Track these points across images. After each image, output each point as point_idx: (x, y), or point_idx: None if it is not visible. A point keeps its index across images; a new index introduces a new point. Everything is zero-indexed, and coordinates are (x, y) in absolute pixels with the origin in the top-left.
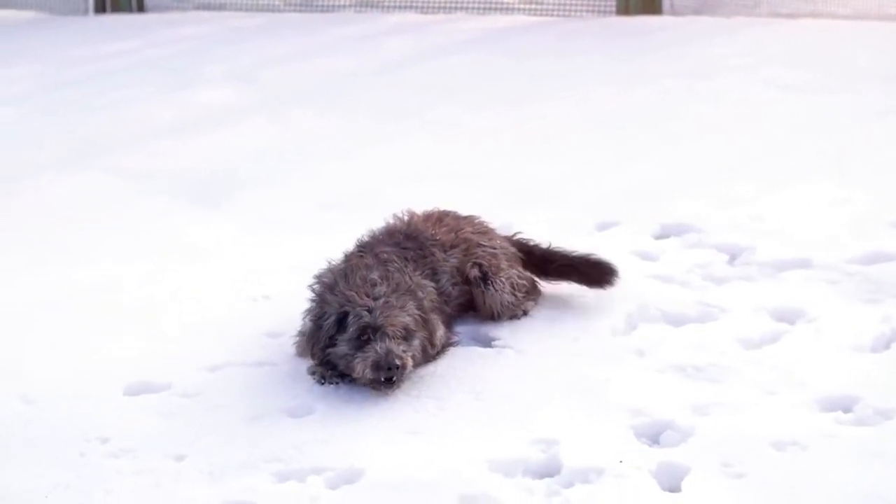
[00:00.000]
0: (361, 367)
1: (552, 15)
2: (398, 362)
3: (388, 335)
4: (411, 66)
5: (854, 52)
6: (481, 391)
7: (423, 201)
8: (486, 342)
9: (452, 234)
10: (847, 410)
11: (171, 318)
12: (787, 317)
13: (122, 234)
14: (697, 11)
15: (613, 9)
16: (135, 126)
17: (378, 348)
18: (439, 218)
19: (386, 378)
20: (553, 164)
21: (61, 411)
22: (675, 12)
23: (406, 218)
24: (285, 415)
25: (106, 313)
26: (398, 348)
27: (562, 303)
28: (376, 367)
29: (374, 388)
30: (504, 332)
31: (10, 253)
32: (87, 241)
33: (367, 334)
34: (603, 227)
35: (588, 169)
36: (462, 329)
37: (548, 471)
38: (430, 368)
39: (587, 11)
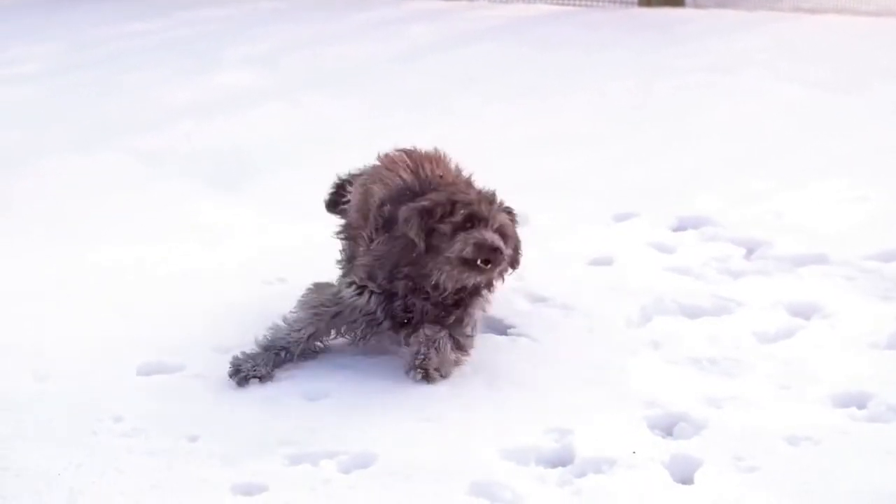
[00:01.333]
0: (462, 246)
1: (574, 5)
2: (500, 245)
3: (490, 227)
4: (431, 54)
5: (875, 49)
6: (495, 379)
7: None
8: (502, 330)
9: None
10: (861, 407)
11: (185, 299)
12: (803, 312)
13: (139, 214)
14: (720, 4)
15: (636, 0)
16: (153, 108)
17: (483, 233)
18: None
19: (484, 260)
20: (571, 156)
21: (75, 390)
22: (697, 5)
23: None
24: (299, 397)
25: (120, 293)
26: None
27: (576, 292)
28: (479, 247)
29: (465, 268)
30: (519, 320)
31: (27, 232)
32: (104, 221)
33: (471, 222)
34: (620, 218)
35: (606, 161)
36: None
37: (561, 460)
38: None
39: (609, 2)
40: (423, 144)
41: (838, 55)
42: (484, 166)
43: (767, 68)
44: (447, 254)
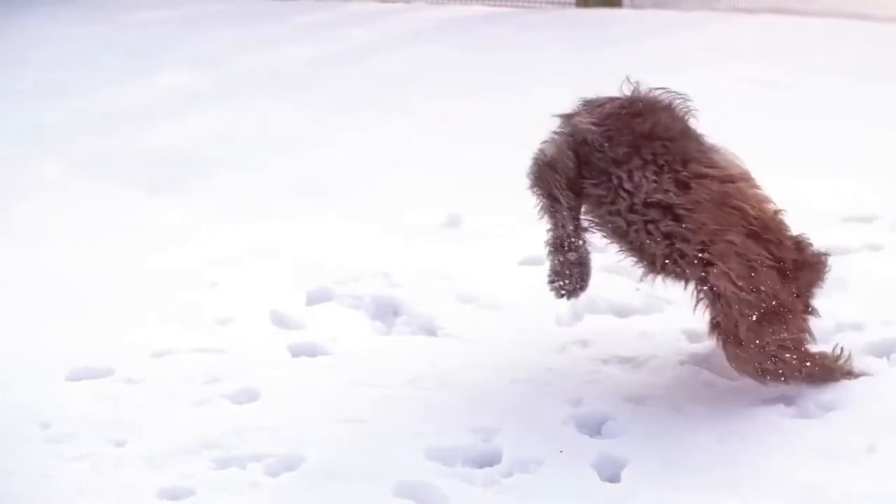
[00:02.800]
0: None
1: (512, 6)
2: None
3: None
4: (372, 56)
5: (814, 47)
6: (423, 379)
7: (381, 189)
8: (431, 330)
9: None
10: (789, 404)
11: (117, 304)
12: None
13: (74, 219)
14: (657, 5)
15: (573, 1)
16: (92, 111)
17: None
18: None
19: None
20: (508, 155)
21: (2, 397)
22: (634, 5)
23: None
24: (228, 401)
25: (51, 298)
26: None
27: (507, 291)
28: None
29: None
30: (448, 320)
31: None
32: (38, 224)
33: None
34: None
35: None
36: (407, 317)
37: (488, 460)
38: (373, 355)
39: (547, 3)
40: (367, 145)
41: (777, 54)
42: (425, 165)
43: (707, 67)
44: None
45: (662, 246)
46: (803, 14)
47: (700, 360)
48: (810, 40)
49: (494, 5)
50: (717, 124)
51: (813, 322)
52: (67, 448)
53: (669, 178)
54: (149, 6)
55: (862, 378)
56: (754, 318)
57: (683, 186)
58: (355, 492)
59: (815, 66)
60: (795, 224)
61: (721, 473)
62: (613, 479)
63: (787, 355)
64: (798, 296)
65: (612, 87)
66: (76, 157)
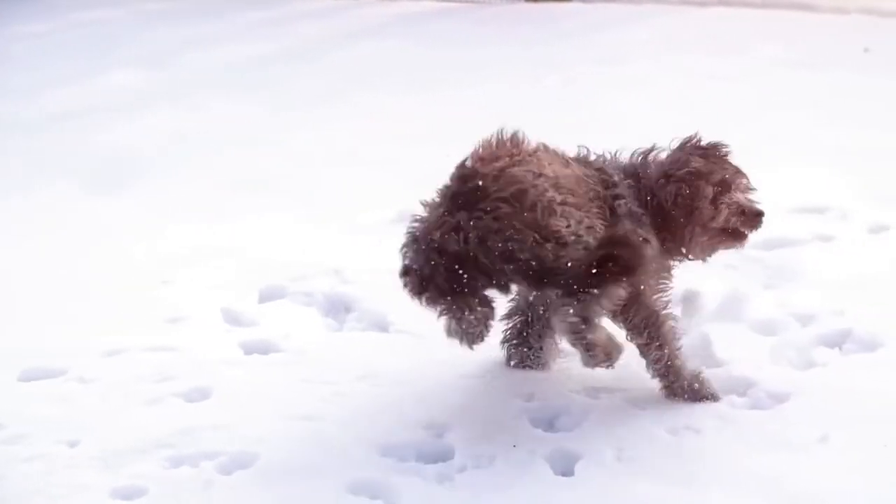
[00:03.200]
0: None
1: (462, 1)
2: None
3: None
4: (321, 53)
5: (761, 40)
6: (375, 376)
7: (332, 187)
8: (384, 327)
9: None
10: (741, 394)
11: (69, 304)
12: (686, 302)
13: (24, 219)
14: None
15: None
16: (39, 110)
17: None
18: None
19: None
20: (463, 151)
21: None
22: None
23: None
24: (181, 399)
25: (1, 298)
26: None
27: None
28: None
29: None
30: (400, 316)
31: None
32: None
33: None
34: None
35: None
36: (359, 314)
37: (441, 455)
38: (325, 352)
39: None
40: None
41: (726, 46)
42: (376, 161)
43: (655, 60)
44: None
45: None
46: (752, 6)
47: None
48: (758, 32)
49: (444, 1)
50: (664, 117)
51: (765, 313)
52: (20, 449)
53: None
54: (95, 5)
55: (814, 368)
56: None
57: None
58: (309, 489)
59: (763, 57)
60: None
61: (674, 466)
62: (567, 472)
63: None
64: None
65: (561, 80)
66: (25, 157)
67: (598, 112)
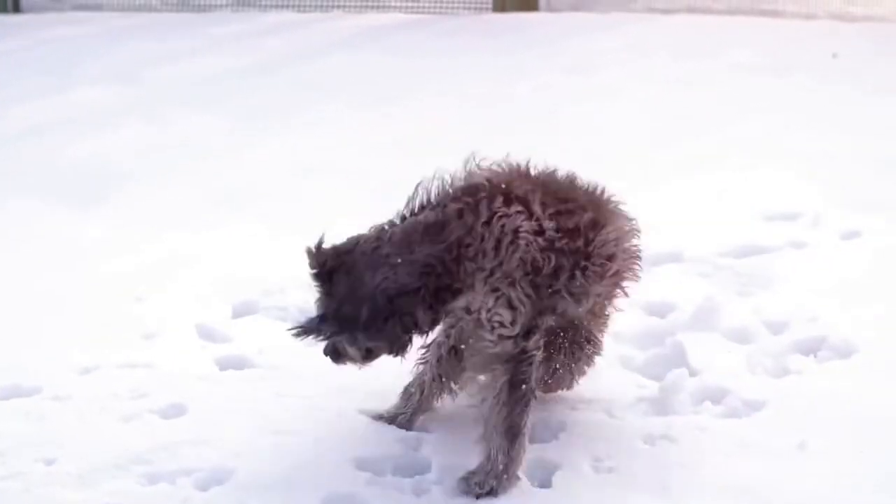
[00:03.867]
0: None
1: (429, 12)
2: None
3: None
4: (290, 66)
5: (729, 46)
6: (350, 391)
7: (303, 199)
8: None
9: None
10: (717, 403)
11: (42, 320)
12: (659, 311)
13: None
14: (574, 7)
15: (490, 6)
16: (10, 127)
17: None
18: None
19: None
20: (433, 161)
21: None
22: (551, 8)
23: None
24: (157, 416)
25: None
26: None
27: None
28: None
29: None
30: None
31: None
32: None
33: None
34: None
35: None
36: None
37: (418, 468)
38: (300, 367)
39: (463, 9)
40: (287, 155)
41: (694, 53)
42: (346, 173)
43: (624, 68)
44: None
45: None
46: (718, 13)
47: (628, 364)
48: (724, 38)
49: (411, 12)
50: (632, 125)
51: (739, 321)
52: None
53: None
54: (64, 22)
55: (789, 376)
56: None
57: None
58: (286, 502)
59: (731, 63)
60: (717, 223)
61: (652, 475)
62: (545, 483)
63: None
64: None
65: (530, 89)
66: None
67: (569, 119)
